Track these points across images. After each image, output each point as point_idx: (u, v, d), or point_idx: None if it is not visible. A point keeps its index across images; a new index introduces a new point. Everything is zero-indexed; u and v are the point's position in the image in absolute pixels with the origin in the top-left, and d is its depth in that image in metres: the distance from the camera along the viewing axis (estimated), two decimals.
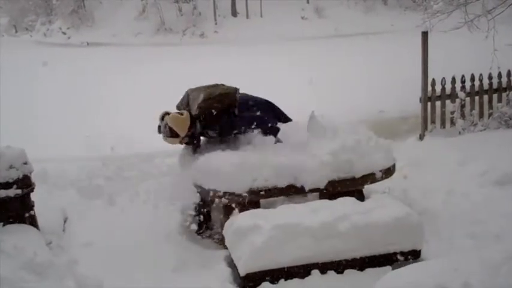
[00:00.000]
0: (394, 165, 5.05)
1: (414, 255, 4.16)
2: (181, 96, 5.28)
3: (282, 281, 3.95)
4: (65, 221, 5.21)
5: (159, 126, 5.11)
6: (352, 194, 4.64)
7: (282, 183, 4.64)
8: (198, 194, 4.97)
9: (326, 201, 4.39)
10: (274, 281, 3.94)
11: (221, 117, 4.98)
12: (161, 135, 5.10)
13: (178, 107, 5.24)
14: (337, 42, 20.77)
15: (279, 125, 5.21)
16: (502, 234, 4.41)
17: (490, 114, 7.79)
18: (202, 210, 5.23)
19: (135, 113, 10.40)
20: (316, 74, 12.41)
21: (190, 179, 4.94)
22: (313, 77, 11.15)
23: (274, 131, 5.10)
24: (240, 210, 4.41)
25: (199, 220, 5.14)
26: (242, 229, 4.03)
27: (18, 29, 31.76)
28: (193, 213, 5.25)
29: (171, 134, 5.00)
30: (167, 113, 5.06)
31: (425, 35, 7.62)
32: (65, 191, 5.91)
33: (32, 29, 30.20)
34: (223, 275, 4.08)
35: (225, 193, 4.58)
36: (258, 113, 5.14)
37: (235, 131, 5.07)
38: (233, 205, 4.56)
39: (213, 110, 4.95)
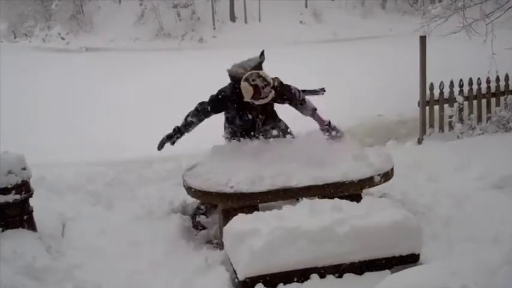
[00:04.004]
0: (392, 169, 5.06)
1: (413, 259, 4.16)
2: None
3: (281, 285, 3.94)
4: (63, 226, 5.20)
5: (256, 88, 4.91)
6: (350, 197, 4.65)
7: (280, 185, 4.65)
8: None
9: (325, 205, 4.39)
10: (273, 285, 3.94)
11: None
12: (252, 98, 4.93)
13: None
14: (336, 47, 20.83)
15: None
16: (500, 238, 4.41)
17: (488, 118, 7.81)
18: (200, 214, 5.25)
19: (133, 118, 10.42)
20: (315, 78, 12.45)
21: None
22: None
23: None
24: (239, 213, 4.41)
25: (198, 224, 5.16)
26: (241, 233, 4.03)
27: (17, 34, 31.80)
28: (191, 217, 5.27)
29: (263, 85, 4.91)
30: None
31: (423, 39, 7.64)
32: (63, 196, 5.93)
33: (30, 34, 30.25)
34: (222, 279, 4.08)
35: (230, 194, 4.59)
36: None
37: None
38: (232, 208, 4.57)
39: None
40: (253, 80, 4.88)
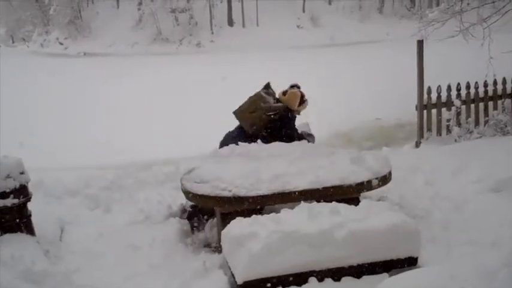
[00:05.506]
0: (390, 173, 5.06)
1: (411, 262, 4.16)
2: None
3: None
4: (62, 230, 5.20)
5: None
6: (348, 201, 4.66)
7: (278, 189, 4.65)
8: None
9: (323, 208, 4.39)
10: None
11: None
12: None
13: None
14: (333, 51, 20.85)
15: None
16: (498, 241, 4.41)
17: (485, 122, 7.82)
18: (197, 217, 5.25)
19: (131, 122, 10.42)
20: (313, 82, 12.46)
21: None
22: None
23: None
24: (237, 217, 4.41)
25: (196, 228, 5.16)
26: (239, 237, 4.03)
27: (15, 39, 31.80)
28: (189, 221, 5.27)
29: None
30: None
31: (420, 43, 7.66)
32: (62, 200, 5.93)
33: (29, 39, 30.22)
34: (220, 283, 4.08)
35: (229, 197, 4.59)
36: None
37: None
38: (229, 212, 4.57)
39: None
40: (298, 87, 5.47)
